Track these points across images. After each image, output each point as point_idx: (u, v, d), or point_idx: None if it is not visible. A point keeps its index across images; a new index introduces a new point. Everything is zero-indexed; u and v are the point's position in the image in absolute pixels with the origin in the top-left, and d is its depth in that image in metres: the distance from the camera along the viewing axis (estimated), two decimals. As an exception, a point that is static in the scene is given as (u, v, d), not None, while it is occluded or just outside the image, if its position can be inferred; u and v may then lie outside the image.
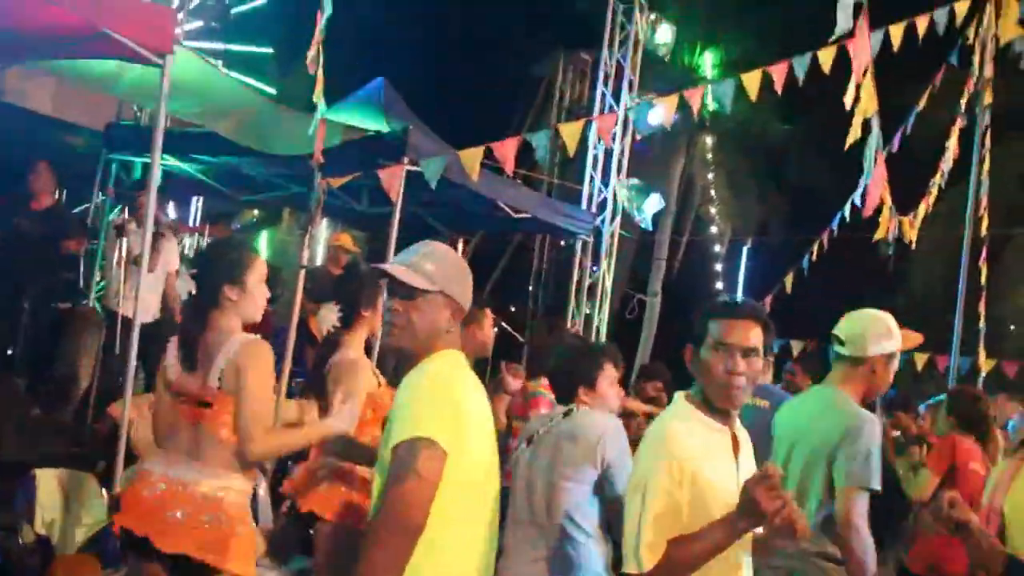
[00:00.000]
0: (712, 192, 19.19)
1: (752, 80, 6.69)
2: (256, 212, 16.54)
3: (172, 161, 7.87)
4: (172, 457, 3.04)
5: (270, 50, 15.81)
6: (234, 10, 14.12)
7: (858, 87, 6.58)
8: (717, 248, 19.04)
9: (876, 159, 7.23)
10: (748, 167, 19.20)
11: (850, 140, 6.71)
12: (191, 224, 12.90)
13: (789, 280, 10.65)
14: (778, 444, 3.43)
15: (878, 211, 8.14)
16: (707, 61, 18.13)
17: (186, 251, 12.49)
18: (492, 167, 6.80)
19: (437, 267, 2.42)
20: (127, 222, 6.12)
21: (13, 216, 6.15)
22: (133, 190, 6.69)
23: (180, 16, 9.45)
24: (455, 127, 8.05)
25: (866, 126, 6.86)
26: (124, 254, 6.04)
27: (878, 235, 8.57)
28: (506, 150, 6.17)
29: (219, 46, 13.58)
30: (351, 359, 3.78)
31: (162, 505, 2.91)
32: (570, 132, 6.35)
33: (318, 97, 5.02)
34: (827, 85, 7.03)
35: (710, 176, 19.12)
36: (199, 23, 9.98)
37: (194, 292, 3.11)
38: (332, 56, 5.19)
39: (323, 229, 20.75)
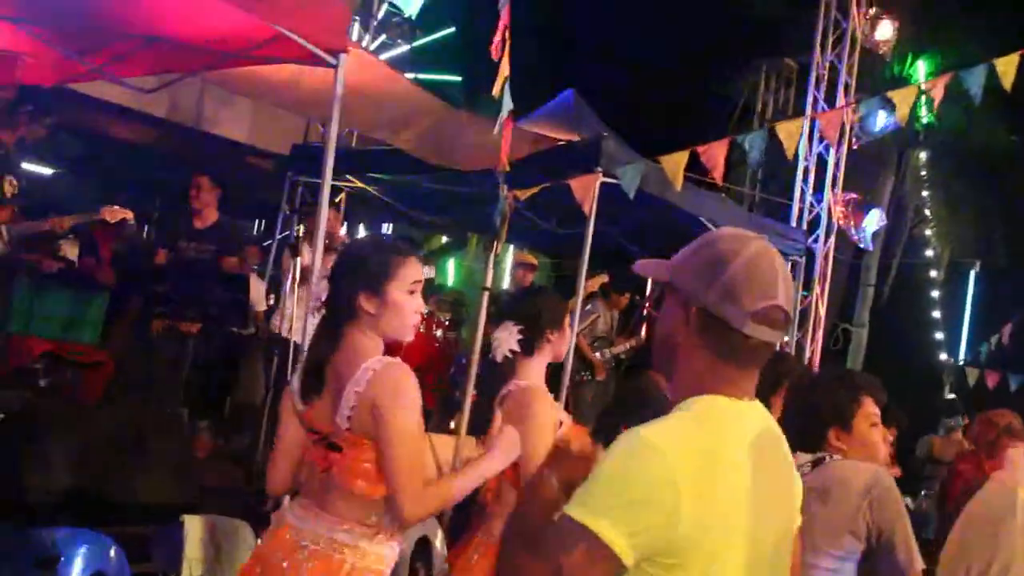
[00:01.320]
0: (927, 212, 17.58)
1: (1008, 65, 5.64)
2: (444, 238, 16.43)
3: (356, 182, 7.61)
4: (304, 502, 2.45)
5: (458, 78, 15.71)
6: (418, 42, 14.09)
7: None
8: (933, 273, 17.33)
9: None
10: (968, 184, 17.44)
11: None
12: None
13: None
14: None
15: None
16: (920, 69, 16.67)
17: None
18: (690, 179, 6.06)
19: None
20: (301, 241, 5.78)
21: (176, 238, 5.91)
22: (311, 207, 6.38)
23: (366, 35, 9.25)
24: (648, 144, 7.37)
25: None
26: (297, 275, 5.67)
27: None
28: (714, 155, 5.41)
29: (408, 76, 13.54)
30: (529, 387, 3.10)
31: (283, 565, 2.34)
32: (789, 131, 5.50)
33: (500, 90, 4.41)
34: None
35: (924, 194, 17.54)
36: (382, 37, 9.79)
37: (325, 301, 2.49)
38: (517, 69, 4.66)
39: (509, 253, 20.62)
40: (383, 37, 9.80)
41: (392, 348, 2.49)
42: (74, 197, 7.45)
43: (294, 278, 5.69)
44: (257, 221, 13.59)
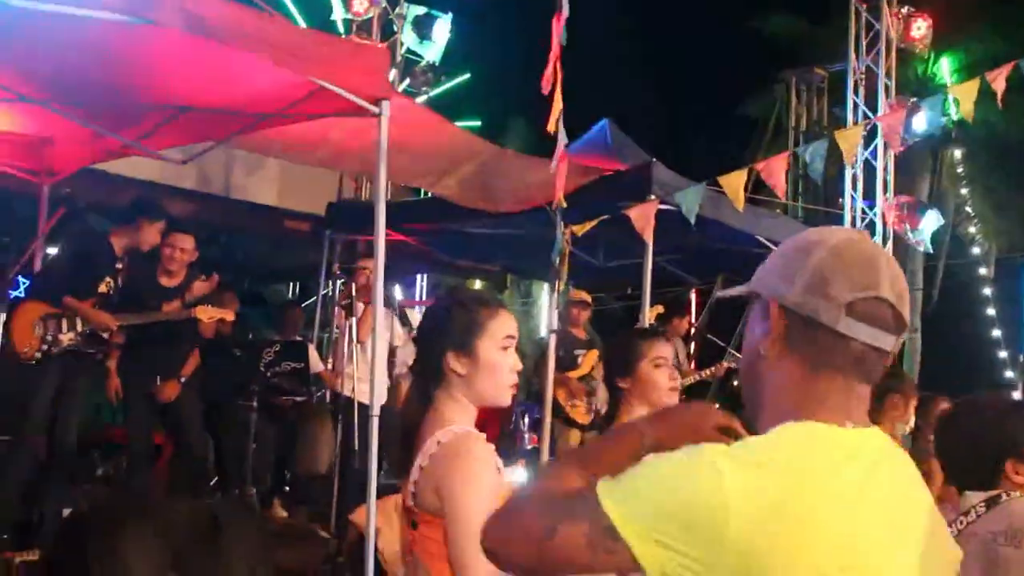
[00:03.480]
0: (968, 209, 17.17)
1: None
2: (478, 282, 16.27)
3: (392, 235, 7.44)
4: None
5: (478, 122, 15.65)
6: (438, 88, 14.05)
7: None
8: (983, 271, 16.88)
9: None
10: (1006, 178, 17.05)
11: None
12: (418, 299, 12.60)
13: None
14: None
15: None
16: (944, 66, 16.39)
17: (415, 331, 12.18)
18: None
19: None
20: (355, 300, 5.56)
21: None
22: (351, 265, 6.17)
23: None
24: (682, 169, 7.17)
25: None
26: (355, 335, 5.44)
27: None
28: (774, 170, 5.18)
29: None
30: None
31: None
32: (849, 139, 5.27)
33: (555, 124, 4.19)
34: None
35: (963, 191, 17.15)
36: (405, 82, 9.66)
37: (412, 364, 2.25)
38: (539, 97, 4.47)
39: (543, 293, 20.35)
40: (407, 82, 9.67)
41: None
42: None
43: (350, 338, 5.47)
44: (291, 284, 13.51)
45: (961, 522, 2.31)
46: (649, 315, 7.28)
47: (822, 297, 1.27)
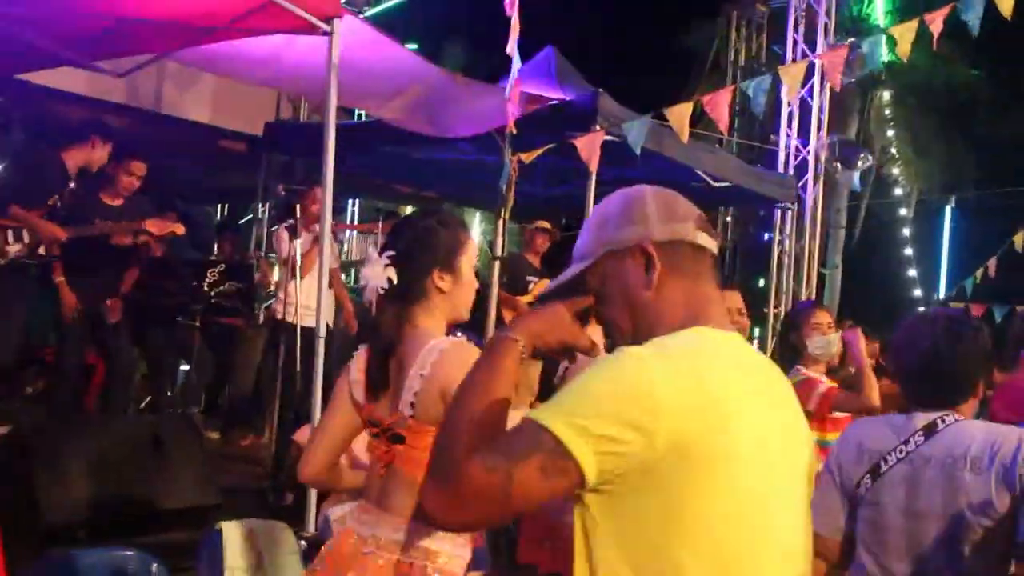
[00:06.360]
0: (893, 151, 17.58)
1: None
2: (409, 208, 16.15)
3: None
4: (365, 506, 2.23)
5: (414, 45, 15.38)
6: (376, 8, 13.73)
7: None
8: (903, 211, 17.37)
9: None
10: (934, 122, 17.47)
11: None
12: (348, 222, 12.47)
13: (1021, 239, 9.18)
14: None
15: None
16: (879, 7, 16.60)
17: (345, 255, 12.08)
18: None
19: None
20: (299, 223, 5.49)
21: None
22: (297, 187, 6.08)
23: None
24: (621, 99, 7.19)
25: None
26: (299, 258, 5.39)
27: None
28: (718, 104, 5.24)
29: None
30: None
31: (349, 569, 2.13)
32: (792, 75, 5.35)
33: (513, 48, 4.17)
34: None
35: (890, 134, 17.53)
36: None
37: (393, 281, 2.21)
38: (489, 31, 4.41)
39: (477, 223, 20.30)
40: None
41: None
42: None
43: (293, 262, 5.42)
44: (219, 206, 13.19)
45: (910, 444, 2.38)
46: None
47: (678, 221, 1.50)
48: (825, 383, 4.12)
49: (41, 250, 5.18)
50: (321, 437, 2.37)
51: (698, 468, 1.28)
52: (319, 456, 2.35)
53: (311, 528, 4.02)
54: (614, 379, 1.28)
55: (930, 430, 2.34)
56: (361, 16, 10.19)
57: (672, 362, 1.31)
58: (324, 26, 4.09)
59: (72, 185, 5.25)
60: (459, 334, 2.62)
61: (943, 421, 2.34)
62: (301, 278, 5.39)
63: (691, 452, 1.27)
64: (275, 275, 6.51)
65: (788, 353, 4.33)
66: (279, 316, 5.54)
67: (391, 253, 2.23)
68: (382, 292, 2.23)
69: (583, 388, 1.29)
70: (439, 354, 2.12)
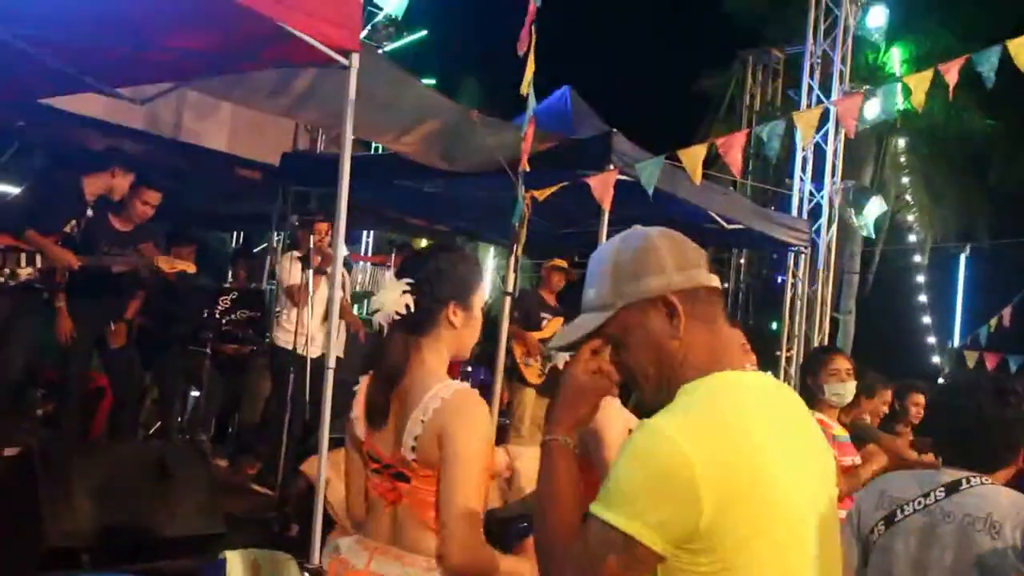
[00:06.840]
0: (908, 198, 17.58)
1: (1020, 47, 5.52)
2: (424, 242, 16.21)
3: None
4: (374, 543, 2.20)
5: (433, 80, 15.54)
6: (397, 42, 13.89)
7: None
8: (918, 258, 17.33)
9: None
10: (948, 169, 17.48)
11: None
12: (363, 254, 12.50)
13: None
14: None
15: None
16: (895, 56, 16.68)
17: (358, 286, 12.12)
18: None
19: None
20: (313, 253, 5.52)
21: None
22: (311, 218, 6.12)
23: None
24: (638, 140, 7.23)
25: None
26: (311, 288, 5.40)
27: None
28: (732, 147, 5.26)
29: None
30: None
31: None
32: (807, 120, 5.38)
33: (527, 87, 4.20)
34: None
35: (904, 180, 17.55)
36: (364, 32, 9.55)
37: (410, 308, 2.19)
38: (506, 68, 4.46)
39: (490, 258, 20.33)
40: (365, 31, 9.53)
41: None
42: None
43: (306, 290, 5.43)
44: (234, 234, 13.25)
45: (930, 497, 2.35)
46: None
47: (692, 267, 1.54)
48: (835, 429, 4.10)
49: (57, 276, 5.23)
50: (349, 483, 2.37)
51: (742, 520, 1.38)
52: (360, 500, 2.33)
53: (316, 559, 3.99)
54: (653, 470, 1.38)
55: (953, 488, 2.32)
56: (380, 50, 10.36)
57: (700, 428, 1.39)
58: (342, 59, 4.12)
59: (90, 213, 5.31)
60: (470, 369, 2.63)
61: (968, 481, 2.32)
62: (300, 308, 5.41)
63: (735, 507, 1.37)
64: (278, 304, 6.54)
65: (804, 396, 4.31)
66: (278, 343, 5.55)
67: (410, 281, 2.23)
68: (395, 319, 2.22)
69: (628, 480, 1.40)
70: (441, 402, 2.12)
